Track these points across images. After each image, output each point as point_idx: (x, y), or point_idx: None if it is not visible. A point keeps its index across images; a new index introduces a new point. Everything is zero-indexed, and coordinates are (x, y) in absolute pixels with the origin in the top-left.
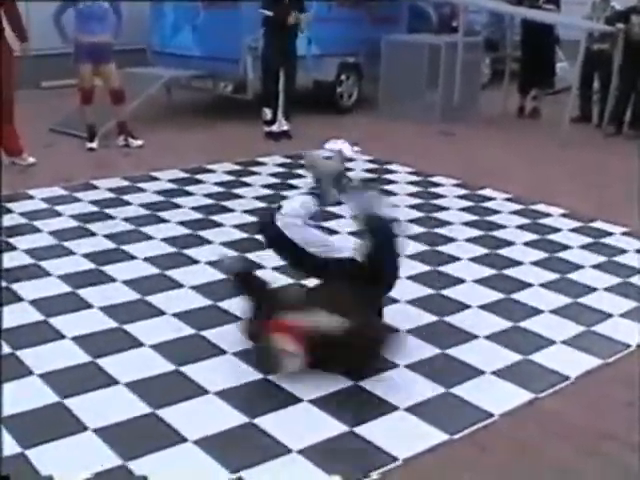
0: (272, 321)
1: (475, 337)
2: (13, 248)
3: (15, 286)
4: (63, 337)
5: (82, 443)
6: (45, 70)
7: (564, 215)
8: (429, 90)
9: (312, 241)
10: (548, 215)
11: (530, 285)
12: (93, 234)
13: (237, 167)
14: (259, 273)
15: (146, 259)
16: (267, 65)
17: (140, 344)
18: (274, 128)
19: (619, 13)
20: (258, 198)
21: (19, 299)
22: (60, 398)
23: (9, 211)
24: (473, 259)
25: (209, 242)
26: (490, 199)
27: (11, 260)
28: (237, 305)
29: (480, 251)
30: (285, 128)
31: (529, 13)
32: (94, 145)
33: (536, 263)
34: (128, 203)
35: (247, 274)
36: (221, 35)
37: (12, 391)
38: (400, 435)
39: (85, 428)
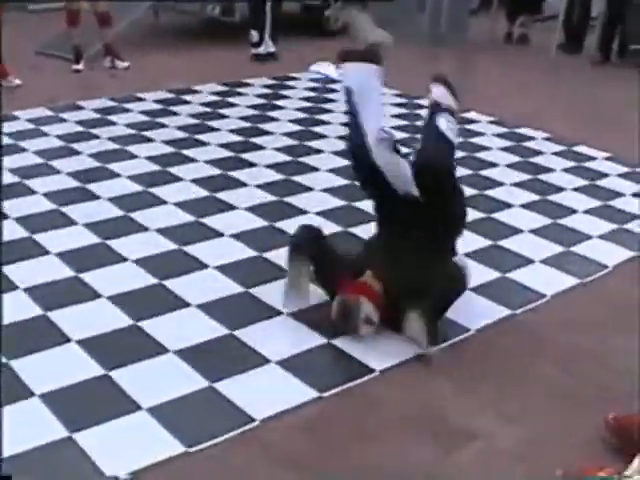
0: (349, 283)
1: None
2: None
3: (3, 204)
4: (47, 253)
5: (65, 354)
6: None
7: (547, 139)
8: (416, 14)
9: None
10: (532, 138)
11: (510, 206)
12: (78, 153)
13: (223, 88)
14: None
15: (130, 177)
16: None
17: (123, 259)
18: (261, 50)
19: None
20: (243, 118)
21: (4, 217)
22: (44, 311)
23: None
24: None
25: (193, 160)
26: (474, 122)
27: None
28: (219, 221)
29: (463, 172)
30: (272, 50)
31: None
32: (80, 67)
33: (517, 184)
34: (113, 123)
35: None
36: None
37: None
38: (374, 349)
39: (68, 340)
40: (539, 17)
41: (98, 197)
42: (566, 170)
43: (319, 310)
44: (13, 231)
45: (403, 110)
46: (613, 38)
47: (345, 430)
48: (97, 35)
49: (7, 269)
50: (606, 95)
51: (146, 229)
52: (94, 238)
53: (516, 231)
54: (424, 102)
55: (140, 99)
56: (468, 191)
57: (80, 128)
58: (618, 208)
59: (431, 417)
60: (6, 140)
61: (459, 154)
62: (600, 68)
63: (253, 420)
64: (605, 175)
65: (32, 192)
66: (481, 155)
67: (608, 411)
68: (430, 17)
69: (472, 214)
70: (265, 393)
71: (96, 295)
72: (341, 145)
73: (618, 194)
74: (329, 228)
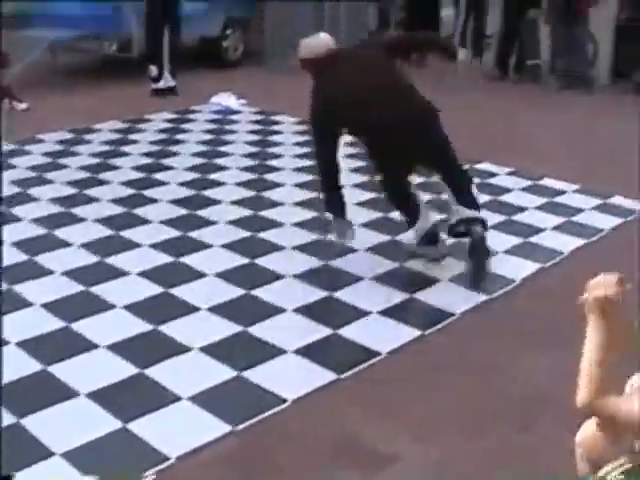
0: None
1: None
2: None
3: None
4: None
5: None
6: None
7: None
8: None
9: None
10: None
11: None
12: None
13: (124, 125)
14: None
15: (33, 220)
16: (151, 22)
17: (29, 304)
18: (160, 84)
19: None
20: (145, 154)
21: None
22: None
23: None
24: (360, 203)
25: (96, 200)
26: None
27: None
28: (124, 260)
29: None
30: (171, 84)
31: None
32: None
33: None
34: (14, 166)
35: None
36: None
37: None
38: (288, 377)
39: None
40: None
41: (0, 242)
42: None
43: (229, 342)
44: None
45: (302, 138)
46: (510, 54)
47: (262, 463)
48: None
49: None
50: (504, 111)
51: (52, 272)
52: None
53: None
54: None
55: (41, 141)
56: (374, 215)
57: None
58: (521, 221)
59: (347, 443)
60: None
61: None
62: (498, 84)
63: (168, 458)
64: (508, 190)
65: None
66: None
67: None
68: None
69: (379, 237)
70: (178, 430)
71: (93, 345)
72: (244, 176)
73: (520, 209)
74: (235, 261)
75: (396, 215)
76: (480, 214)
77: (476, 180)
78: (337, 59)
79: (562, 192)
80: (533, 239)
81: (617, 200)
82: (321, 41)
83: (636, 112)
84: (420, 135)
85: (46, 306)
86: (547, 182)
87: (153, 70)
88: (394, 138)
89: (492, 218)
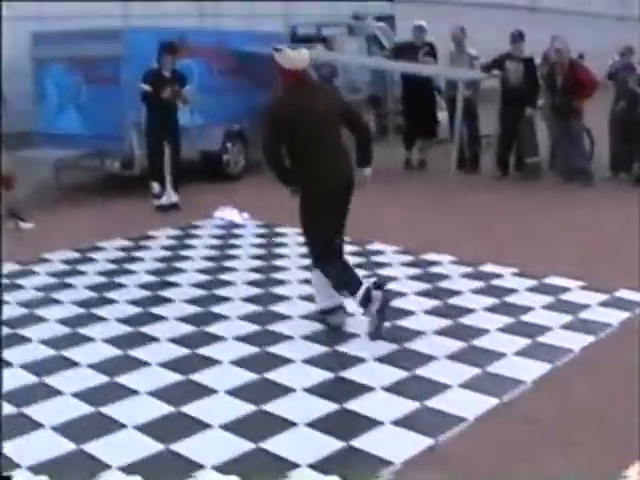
0: None
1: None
2: None
3: None
4: None
5: None
6: None
7: (454, 262)
8: None
9: None
10: (438, 263)
11: (423, 333)
12: None
13: (129, 243)
14: None
15: (42, 341)
16: (151, 139)
17: (41, 425)
18: (163, 201)
19: (494, 60)
20: (151, 272)
21: None
22: None
23: None
24: None
25: (103, 319)
26: (380, 253)
27: None
28: (134, 380)
29: None
30: (174, 200)
31: (408, 67)
32: None
33: (429, 311)
34: (21, 287)
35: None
36: (105, 112)
37: None
38: None
39: None
40: (435, 141)
41: (10, 364)
42: (475, 291)
43: (242, 459)
44: None
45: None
46: (509, 153)
47: None
48: None
49: None
50: (507, 210)
51: (61, 393)
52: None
53: (431, 358)
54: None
55: (46, 260)
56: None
57: None
58: (529, 322)
59: None
60: None
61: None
62: (499, 183)
63: None
64: (514, 291)
65: None
66: (390, 287)
67: None
68: None
69: (385, 346)
70: None
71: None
72: (251, 290)
73: (528, 309)
74: (245, 377)
75: (402, 323)
76: None
77: (481, 283)
78: (306, 78)
79: (567, 289)
80: (541, 339)
81: (623, 294)
82: (302, 56)
83: (637, 204)
84: (345, 185)
85: (56, 428)
86: (552, 280)
87: (155, 187)
88: (320, 153)
89: (499, 320)
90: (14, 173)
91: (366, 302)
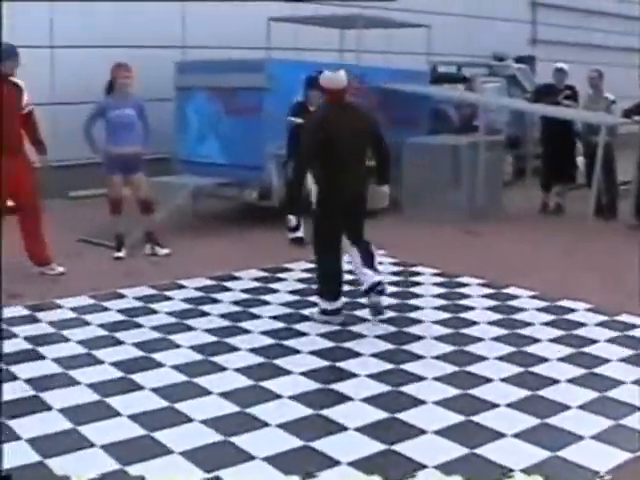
0: None
1: (502, 435)
2: (42, 357)
3: (44, 394)
4: (92, 445)
5: None
6: (72, 180)
7: (589, 310)
8: (452, 190)
9: None
10: (573, 310)
11: (557, 381)
12: (121, 342)
13: (263, 274)
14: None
15: (174, 367)
16: (293, 172)
17: (169, 451)
18: (299, 234)
19: (637, 106)
20: (285, 304)
21: (48, 407)
22: None
23: (37, 320)
24: (500, 357)
25: (236, 349)
26: (515, 297)
27: (40, 369)
28: (266, 412)
29: (507, 349)
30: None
31: (549, 110)
32: (122, 254)
33: (562, 359)
34: (155, 312)
35: None
36: (244, 142)
37: None
38: None
39: None
40: (573, 186)
41: (142, 387)
42: (610, 341)
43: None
44: (56, 423)
45: (442, 290)
46: None
47: None
48: (138, 222)
49: (51, 462)
50: None
51: (191, 420)
52: (139, 430)
53: (564, 407)
54: (464, 280)
55: (181, 286)
56: (514, 369)
57: (122, 317)
58: None
59: None
60: (49, 329)
61: (503, 331)
62: (637, 232)
63: None
64: None
65: (75, 383)
66: (524, 331)
67: None
68: (467, 192)
69: (519, 392)
70: None
71: None
72: (385, 328)
73: None
74: (376, 416)
75: (535, 370)
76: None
77: (617, 333)
78: (343, 98)
79: None
80: None
81: None
82: (341, 78)
83: None
84: (355, 200)
85: (184, 454)
86: None
87: (292, 220)
88: (345, 168)
89: (636, 372)
90: (154, 198)
91: (323, 316)
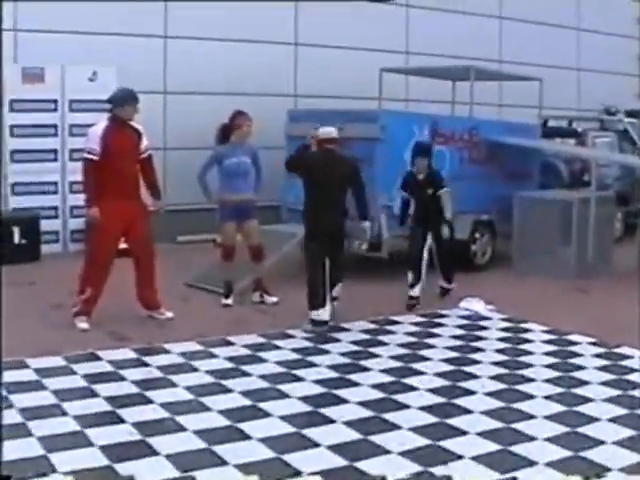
0: None
1: None
2: (150, 401)
3: (151, 440)
4: None
5: None
6: (180, 225)
7: None
8: (562, 246)
9: None
10: None
11: None
12: (229, 390)
13: (373, 326)
14: None
15: (282, 417)
16: (411, 230)
17: None
18: (415, 292)
19: None
20: (394, 357)
21: (155, 453)
22: None
23: (146, 365)
24: (613, 419)
25: (345, 401)
26: (627, 357)
27: (147, 413)
28: (374, 466)
29: (619, 411)
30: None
31: None
32: (230, 301)
33: None
34: (264, 360)
35: None
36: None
37: None
38: None
39: None
40: None
41: (250, 437)
42: None
43: None
44: (163, 469)
45: (552, 347)
46: None
47: None
48: (247, 268)
49: None
50: None
51: (299, 473)
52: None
53: None
54: (575, 338)
55: (290, 336)
56: (627, 432)
57: (230, 364)
58: None
59: None
60: (157, 374)
61: (614, 392)
62: None
63: None
64: None
65: (182, 429)
66: (636, 393)
67: None
68: (577, 248)
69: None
70: None
71: None
72: (495, 385)
73: None
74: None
75: None
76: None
77: None
78: (331, 147)
79: None
80: None
81: None
82: (328, 132)
83: None
84: (333, 231)
85: None
86: None
87: (410, 277)
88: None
89: None
90: (264, 246)
91: (308, 325)
